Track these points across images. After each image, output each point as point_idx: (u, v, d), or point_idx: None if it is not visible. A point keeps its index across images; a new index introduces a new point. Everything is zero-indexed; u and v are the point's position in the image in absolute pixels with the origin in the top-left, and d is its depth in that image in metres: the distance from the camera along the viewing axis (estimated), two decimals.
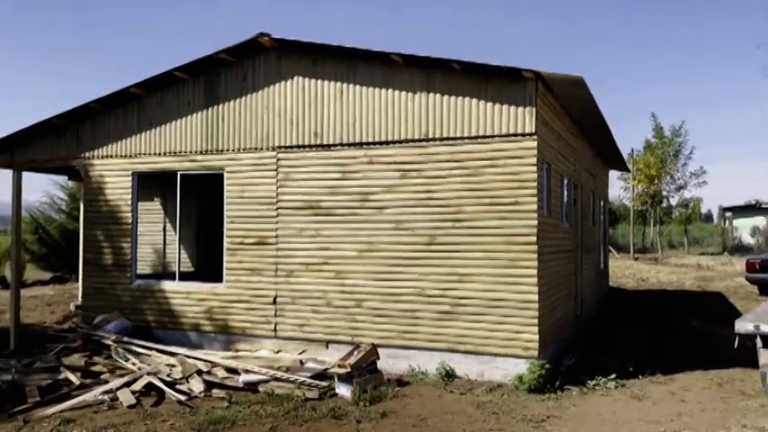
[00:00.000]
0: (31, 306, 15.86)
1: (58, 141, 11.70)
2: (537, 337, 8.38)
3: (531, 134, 8.49)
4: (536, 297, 8.43)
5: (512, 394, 7.99)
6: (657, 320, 14.11)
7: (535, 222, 8.48)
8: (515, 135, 8.56)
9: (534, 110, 8.46)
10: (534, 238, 8.46)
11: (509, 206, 8.57)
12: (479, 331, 8.67)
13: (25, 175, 12.15)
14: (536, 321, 8.40)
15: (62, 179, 20.47)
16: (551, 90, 9.18)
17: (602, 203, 17.73)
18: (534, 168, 8.49)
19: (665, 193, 42.35)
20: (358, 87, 9.47)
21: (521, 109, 8.53)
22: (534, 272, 8.45)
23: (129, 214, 11.20)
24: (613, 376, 8.61)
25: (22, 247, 21.98)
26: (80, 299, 12.39)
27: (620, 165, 19.84)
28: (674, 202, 45.23)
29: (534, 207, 8.48)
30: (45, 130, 11.59)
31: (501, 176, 8.63)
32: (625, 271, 27.51)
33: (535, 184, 8.48)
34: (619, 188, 51.54)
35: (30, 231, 23.59)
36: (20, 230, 12.55)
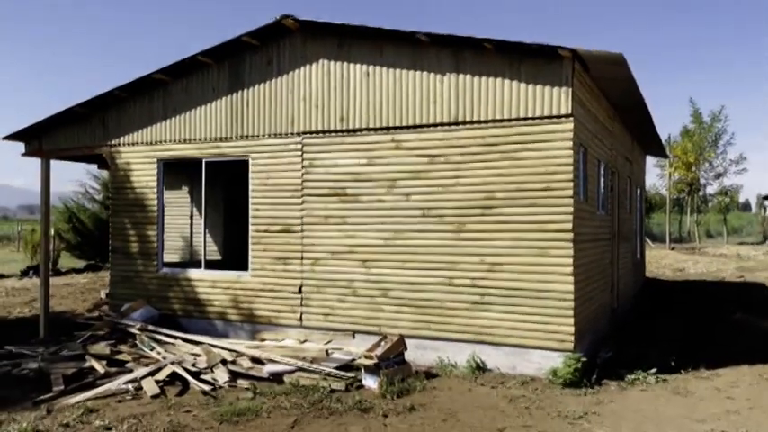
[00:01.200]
0: (64, 294, 16.07)
1: (84, 129, 11.66)
2: (572, 329, 8.00)
3: (567, 116, 8.06)
4: (572, 287, 8.04)
5: (546, 389, 7.64)
6: (697, 312, 13.52)
7: (571, 209, 8.07)
8: (550, 117, 8.15)
9: (571, 90, 8.03)
10: (570, 225, 8.06)
11: (543, 192, 8.17)
12: (511, 322, 8.32)
13: (59, 164, 12.18)
14: (571, 312, 8.02)
15: (95, 168, 20.69)
16: (588, 69, 8.72)
17: (638, 191, 17.11)
18: (570, 152, 8.07)
19: (702, 180, 41.05)
20: (385, 70, 9.15)
21: (556, 89, 8.10)
22: (570, 261, 8.06)
23: (156, 202, 11.12)
24: (654, 370, 8.19)
25: (56, 236, 22.43)
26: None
27: (658, 149, 19.12)
28: (712, 190, 43.85)
29: (570, 193, 8.07)
30: (71, 118, 11.56)
31: (535, 161, 8.23)
32: (661, 261, 26.73)
33: (571, 168, 8.06)
34: (654, 176, 50.21)
35: (64, 220, 24.04)
36: (48, 219, 12.59)
